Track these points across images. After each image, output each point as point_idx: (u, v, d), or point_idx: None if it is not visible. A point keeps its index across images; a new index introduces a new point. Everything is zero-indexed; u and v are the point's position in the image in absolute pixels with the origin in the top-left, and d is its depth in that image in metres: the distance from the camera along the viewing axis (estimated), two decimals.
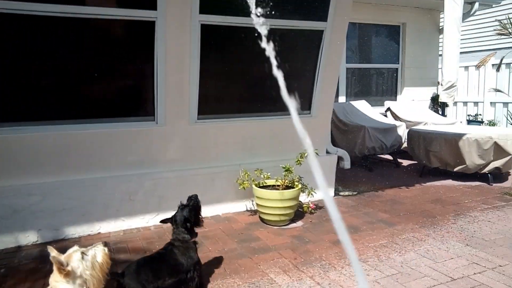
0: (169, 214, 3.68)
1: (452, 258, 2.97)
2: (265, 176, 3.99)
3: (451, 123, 6.89)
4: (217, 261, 3.04)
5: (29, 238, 3.43)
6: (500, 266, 2.84)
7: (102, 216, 3.65)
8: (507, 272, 2.74)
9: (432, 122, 6.74)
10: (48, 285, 1.92)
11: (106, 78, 3.66)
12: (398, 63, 8.50)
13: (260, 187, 3.89)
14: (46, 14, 3.14)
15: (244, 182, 3.96)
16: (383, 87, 8.59)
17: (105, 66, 3.61)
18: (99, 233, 3.65)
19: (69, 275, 1.84)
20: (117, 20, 3.45)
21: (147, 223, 3.83)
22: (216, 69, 4.03)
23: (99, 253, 2.01)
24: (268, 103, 4.32)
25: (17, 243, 3.40)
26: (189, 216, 2.50)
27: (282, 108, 4.37)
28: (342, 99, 7.91)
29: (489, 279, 2.65)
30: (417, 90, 8.54)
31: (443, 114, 8.25)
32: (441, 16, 7.87)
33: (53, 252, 1.83)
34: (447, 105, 8.50)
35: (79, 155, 3.56)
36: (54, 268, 1.85)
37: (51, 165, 3.48)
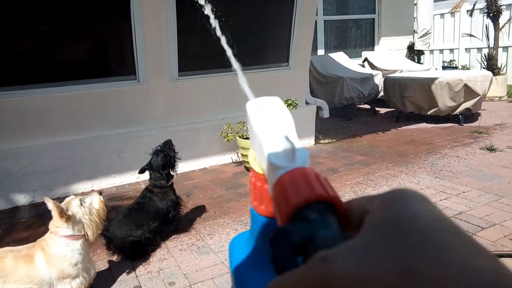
0: None
1: (421, 189, 3.26)
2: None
3: (426, 69, 7.11)
4: (207, 206, 3.27)
5: (25, 198, 3.58)
6: (463, 192, 3.15)
7: (94, 174, 3.81)
8: (469, 196, 3.05)
9: (408, 70, 6.94)
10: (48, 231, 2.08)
11: (86, 40, 3.70)
12: (375, 13, 8.55)
13: (244, 138, 4.08)
14: None
15: (228, 135, 4.13)
16: (360, 38, 8.68)
17: (84, 28, 3.63)
18: (92, 190, 3.81)
19: (69, 219, 1.98)
20: None
21: (138, 179, 3.99)
22: (194, 26, 4.07)
23: (95, 200, 2.16)
24: (247, 57, 4.43)
25: (13, 204, 3.55)
26: (164, 162, 2.61)
27: (261, 61, 4.51)
28: (321, 52, 8.00)
29: (452, 203, 2.95)
30: (393, 40, 8.66)
31: (419, 62, 8.45)
32: None
33: (49, 201, 1.94)
34: (423, 53, 8.69)
35: (66, 117, 3.65)
36: (55, 214, 1.96)
37: (38, 128, 3.57)
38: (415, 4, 8.52)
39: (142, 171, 2.73)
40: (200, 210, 3.18)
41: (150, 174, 2.67)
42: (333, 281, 0.20)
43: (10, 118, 3.43)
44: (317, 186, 0.27)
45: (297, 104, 4.11)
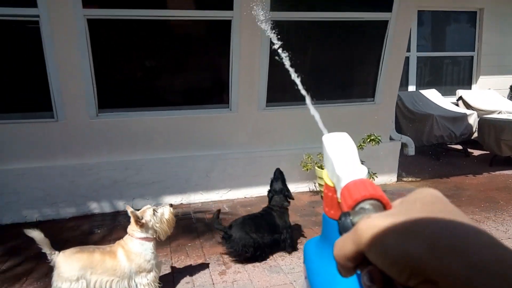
0: (239, 191, 4.21)
1: (509, 238, 3.04)
2: None
3: None
4: None
5: (126, 205, 4.11)
6: None
7: (184, 189, 4.23)
8: None
9: (507, 111, 6.45)
10: None
11: (188, 72, 4.22)
12: (474, 51, 8.14)
13: (322, 169, 4.20)
14: (143, 18, 3.74)
15: (308, 165, 4.30)
16: (456, 76, 8.29)
17: (189, 62, 4.16)
18: (181, 203, 4.24)
19: (143, 226, 2.29)
20: (198, 21, 3.96)
21: (221, 197, 4.35)
22: (284, 62, 4.38)
23: (166, 211, 2.43)
24: (331, 91, 4.61)
25: (116, 208, 4.11)
26: (283, 186, 3.01)
27: (345, 96, 4.64)
28: (412, 88, 7.82)
29: None
30: (494, 79, 8.12)
31: None
32: None
33: (129, 209, 2.29)
34: None
35: (166, 136, 4.16)
36: (132, 220, 2.31)
37: (143, 145, 4.12)
38: None
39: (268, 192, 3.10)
40: None
41: (273, 196, 3.01)
42: (370, 228, 0.31)
43: (121, 135, 4.03)
44: (371, 189, 0.38)
45: (380, 140, 4.12)
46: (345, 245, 0.33)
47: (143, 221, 2.28)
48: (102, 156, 4.00)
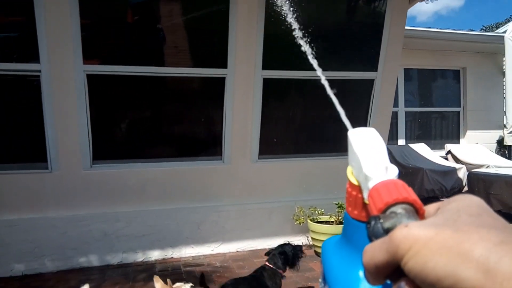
0: (231, 244, 4.18)
1: None
2: (319, 212, 4.30)
3: None
4: None
5: (115, 258, 4.04)
6: None
7: (174, 242, 4.18)
8: None
9: (495, 165, 6.60)
10: None
11: (182, 124, 4.35)
12: (460, 106, 8.47)
13: (315, 222, 4.20)
14: (141, 74, 3.92)
15: (300, 218, 4.30)
16: (445, 130, 8.55)
17: (183, 114, 4.31)
18: (172, 257, 4.16)
19: None
20: (196, 77, 4.16)
21: (212, 251, 4.29)
22: (275, 115, 4.55)
23: None
24: (322, 144, 4.74)
25: (105, 262, 4.02)
26: (287, 251, 2.90)
27: (335, 149, 4.75)
28: (401, 142, 8.03)
29: None
30: (481, 134, 8.38)
31: (510, 158, 7.95)
32: (504, 59, 7.85)
33: (158, 282, 2.15)
34: None
35: (158, 188, 4.18)
36: None
37: (135, 196, 4.13)
38: (504, 98, 8.29)
39: (267, 254, 3.00)
40: None
41: (271, 255, 2.92)
42: (409, 239, 0.28)
43: (114, 186, 4.05)
44: (404, 192, 0.35)
45: None
46: (377, 253, 0.30)
47: None
48: (94, 207, 3.99)
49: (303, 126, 4.76)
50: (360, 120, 4.77)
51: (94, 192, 3.99)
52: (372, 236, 0.33)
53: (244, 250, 4.41)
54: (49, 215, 3.87)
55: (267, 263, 2.88)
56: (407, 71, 8.17)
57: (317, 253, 4.20)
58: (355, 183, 0.45)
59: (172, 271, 3.78)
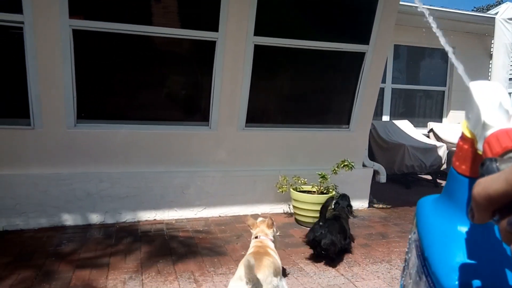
0: (214, 209, 4.25)
1: None
2: (302, 181, 4.37)
3: None
4: None
5: (98, 218, 4.05)
6: None
7: (158, 205, 4.21)
8: None
9: None
10: None
11: (170, 87, 4.28)
12: (445, 86, 8.57)
13: (298, 191, 4.28)
14: (128, 32, 3.80)
15: (283, 187, 4.37)
16: (428, 109, 8.68)
17: (171, 77, 4.23)
18: (155, 219, 4.20)
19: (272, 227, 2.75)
20: (183, 39, 4.05)
21: (195, 215, 4.34)
22: (264, 84, 4.52)
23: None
24: (309, 116, 4.76)
25: (87, 221, 4.03)
26: (349, 203, 3.82)
27: (321, 121, 4.79)
28: (386, 118, 8.12)
29: None
30: (463, 114, 8.55)
31: None
32: (492, 41, 7.90)
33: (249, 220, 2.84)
34: None
35: (142, 151, 4.16)
36: (260, 224, 2.77)
37: (119, 158, 4.10)
38: (489, 80, 8.43)
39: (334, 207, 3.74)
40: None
41: (340, 206, 3.71)
42: None
43: (98, 146, 4.00)
44: None
45: (353, 166, 4.26)
46: (494, 183, 0.29)
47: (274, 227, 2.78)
48: (77, 167, 3.96)
49: (292, 97, 4.75)
50: (348, 92, 4.79)
51: (77, 151, 3.94)
52: (486, 173, 0.32)
53: (227, 216, 4.48)
54: (30, 172, 3.82)
55: (336, 212, 3.54)
56: (396, 48, 8.16)
57: (297, 221, 4.30)
58: (469, 136, 0.45)
59: (155, 232, 3.83)
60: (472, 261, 0.42)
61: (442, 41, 0.58)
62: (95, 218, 4.04)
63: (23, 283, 2.70)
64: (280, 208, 4.70)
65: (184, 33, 3.99)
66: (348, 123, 4.89)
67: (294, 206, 4.30)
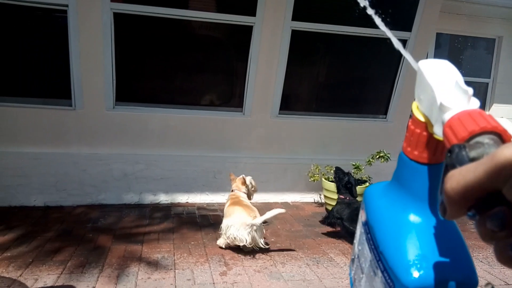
0: None
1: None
2: None
3: None
4: (284, 238, 3.47)
5: (133, 198, 4.17)
6: None
7: (190, 188, 4.28)
8: None
9: None
10: None
11: (206, 72, 4.29)
12: (489, 78, 8.15)
13: (330, 181, 4.23)
14: (168, 16, 3.83)
15: (315, 176, 4.32)
16: None
17: (207, 62, 4.24)
18: (187, 202, 4.28)
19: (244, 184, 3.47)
20: (221, 24, 4.04)
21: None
22: (300, 71, 4.45)
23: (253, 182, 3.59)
24: (345, 105, 4.65)
25: (122, 201, 4.16)
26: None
27: (358, 111, 4.68)
28: None
29: None
30: (508, 108, 8.12)
31: None
32: None
33: (232, 175, 3.62)
34: None
35: (178, 134, 4.22)
36: (237, 181, 3.53)
37: (154, 140, 4.19)
38: None
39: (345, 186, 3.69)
40: (277, 240, 3.39)
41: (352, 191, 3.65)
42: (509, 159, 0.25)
43: (135, 129, 4.09)
44: (492, 121, 0.32)
45: (389, 158, 4.14)
46: (470, 175, 0.27)
47: (247, 182, 3.49)
48: (115, 148, 4.07)
49: (327, 85, 4.66)
50: (387, 81, 4.64)
51: (115, 133, 4.05)
52: (456, 163, 0.30)
53: (257, 202, 4.49)
54: (71, 151, 3.96)
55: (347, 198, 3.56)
56: (438, 36, 7.80)
57: (328, 211, 4.25)
58: (421, 119, 0.41)
59: (187, 215, 3.90)
60: (430, 253, 0.40)
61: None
62: (130, 198, 4.16)
63: (63, 255, 2.83)
64: (311, 197, 4.66)
65: (222, 18, 3.97)
66: (385, 113, 4.75)
67: (325, 196, 4.25)
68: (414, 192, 0.45)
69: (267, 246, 3.10)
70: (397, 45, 0.51)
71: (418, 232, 0.43)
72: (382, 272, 0.45)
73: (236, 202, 3.25)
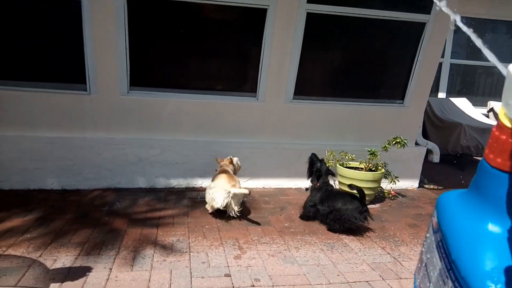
0: (259, 181, 4.24)
1: None
2: (350, 157, 4.26)
3: None
4: (298, 223, 3.46)
5: (148, 182, 4.21)
6: None
7: (205, 173, 4.29)
8: None
9: None
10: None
11: (219, 57, 4.25)
12: (511, 63, 7.89)
13: (345, 167, 4.18)
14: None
15: (329, 162, 4.28)
16: (488, 86, 8.07)
17: (220, 47, 4.19)
18: (201, 186, 4.30)
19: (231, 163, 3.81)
20: (234, 7, 3.97)
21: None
22: (315, 55, 4.37)
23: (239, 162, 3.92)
24: (360, 89, 4.57)
25: (137, 185, 4.20)
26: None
27: (374, 96, 4.59)
28: (442, 95, 7.66)
29: None
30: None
31: None
32: None
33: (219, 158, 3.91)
34: None
35: (192, 119, 4.22)
36: (225, 160, 3.83)
37: (170, 125, 4.19)
38: None
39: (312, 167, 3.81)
40: (291, 224, 3.38)
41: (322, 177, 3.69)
42: None
43: (149, 113, 4.10)
44: None
45: (405, 143, 4.07)
46: None
47: (235, 163, 3.85)
48: (130, 132, 4.10)
49: (343, 69, 4.57)
50: (405, 66, 4.53)
51: (130, 117, 4.06)
52: None
53: (271, 188, 4.49)
54: (87, 136, 4.00)
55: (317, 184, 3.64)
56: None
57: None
58: (508, 125, 0.38)
59: (201, 199, 3.92)
60: (507, 265, 0.37)
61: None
62: (145, 182, 4.20)
63: (80, 237, 2.88)
64: None
65: (235, 0, 3.90)
66: (402, 98, 4.66)
67: (340, 182, 4.21)
68: (494, 201, 0.42)
69: (238, 215, 3.40)
70: (502, 70, 0.49)
71: (497, 242, 0.40)
72: (453, 281, 0.42)
73: (223, 170, 3.64)
